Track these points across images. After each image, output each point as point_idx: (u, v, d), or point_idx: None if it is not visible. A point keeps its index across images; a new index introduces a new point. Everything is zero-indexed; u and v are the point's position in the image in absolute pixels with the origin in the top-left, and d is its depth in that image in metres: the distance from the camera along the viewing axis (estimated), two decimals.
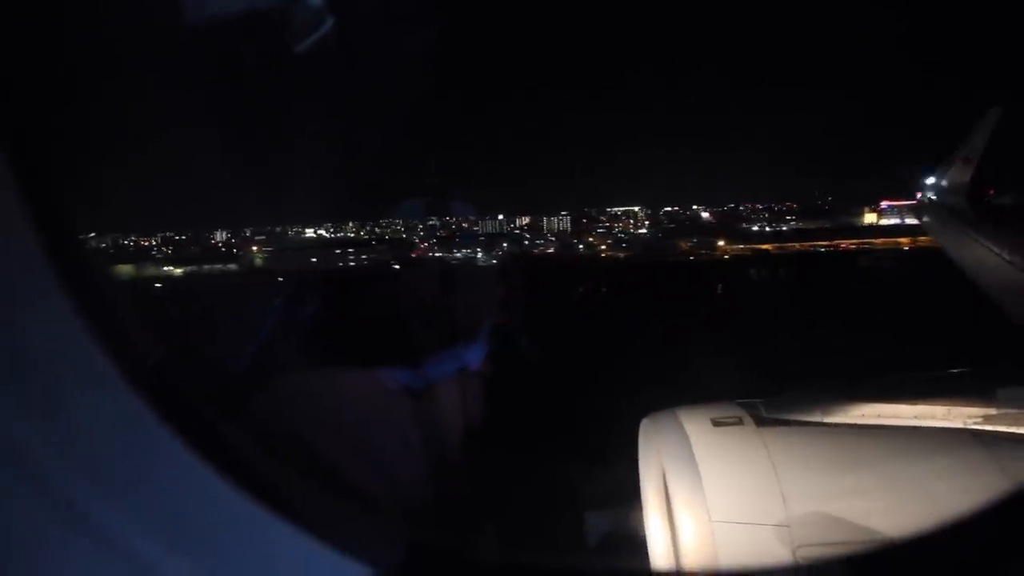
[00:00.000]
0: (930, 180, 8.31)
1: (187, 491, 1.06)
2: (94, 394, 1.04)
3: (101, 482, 1.00)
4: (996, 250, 5.63)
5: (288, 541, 1.07)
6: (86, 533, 0.98)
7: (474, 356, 2.43)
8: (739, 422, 2.77)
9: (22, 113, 1.07)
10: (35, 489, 0.97)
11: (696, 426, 2.76)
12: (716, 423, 2.78)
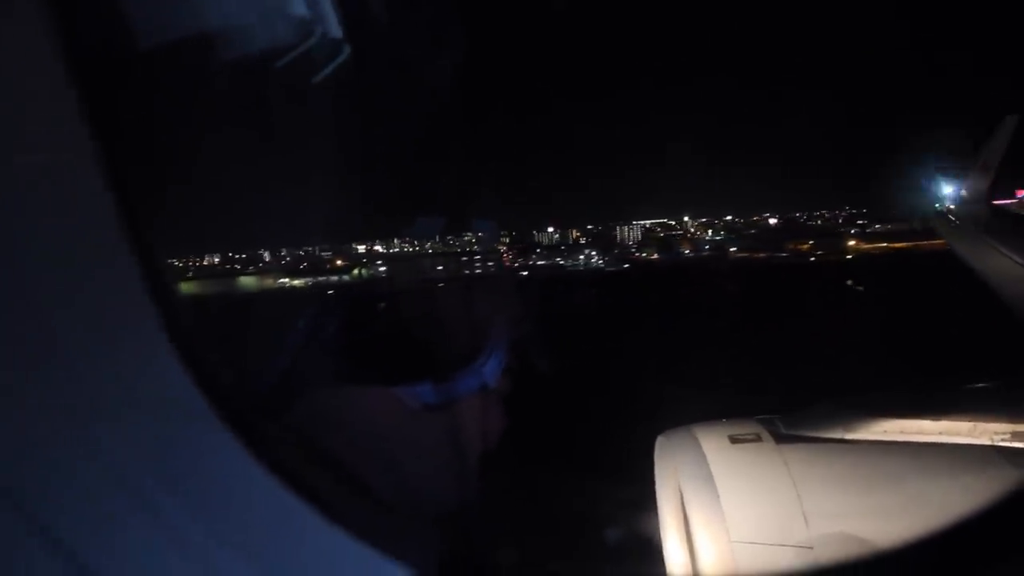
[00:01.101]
0: (948, 188, 8.21)
1: (240, 487, 1.12)
2: (168, 400, 1.10)
3: (167, 478, 1.06)
4: (1017, 259, 5.52)
5: (332, 540, 1.12)
6: (155, 525, 1.03)
7: (492, 372, 2.43)
8: (757, 439, 2.72)
9: (118, 137, 1.11)
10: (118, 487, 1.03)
11: (713, 443, 2.71)
12: (734, 440, 2.73)
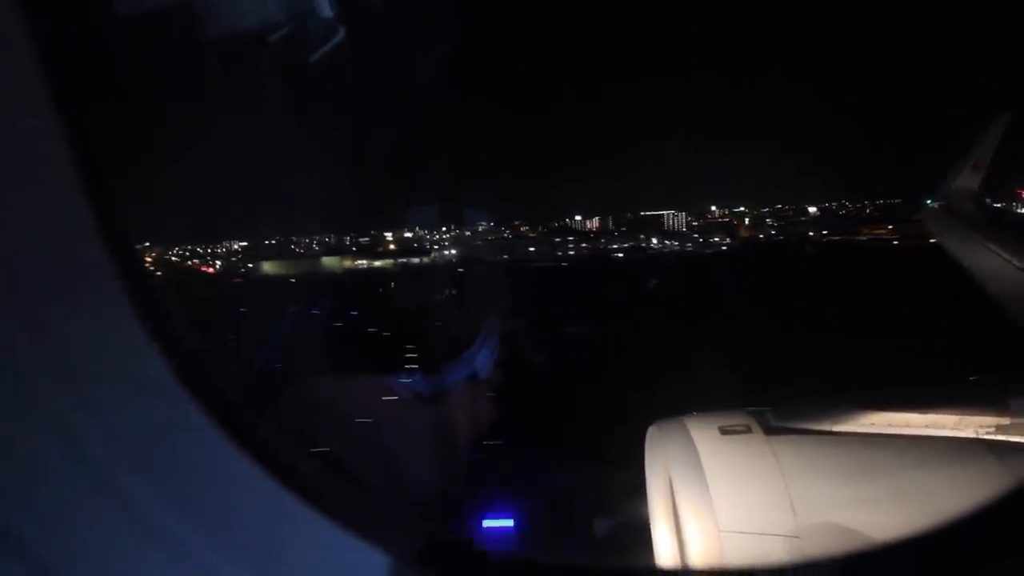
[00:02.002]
0: (938, 186, 8.25)
1: (222, 476, 1.11)
2: (145, 389, 1.09)
3: (146, 468, 1.06)
4: (1006, 256, 5.57)
5: (314, 528, 1.12)
6: (133, 519, 1.03)
7: (483, 363, 2.44)
8: (747, 430, 2.74)
9: (86, 118, 1.10)
10: (90, 476, 1.02)
11: (703, 434, 2.73)
12: (724, 431, 2.74)
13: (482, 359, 2.48)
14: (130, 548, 1.03)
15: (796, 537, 2.33)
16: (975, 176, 7.78)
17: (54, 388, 1.03)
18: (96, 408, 1.04)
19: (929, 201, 8.13)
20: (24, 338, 1.02)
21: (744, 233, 41.87)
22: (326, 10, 1.99)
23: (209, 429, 1.11)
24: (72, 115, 1.04)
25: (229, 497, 1.11)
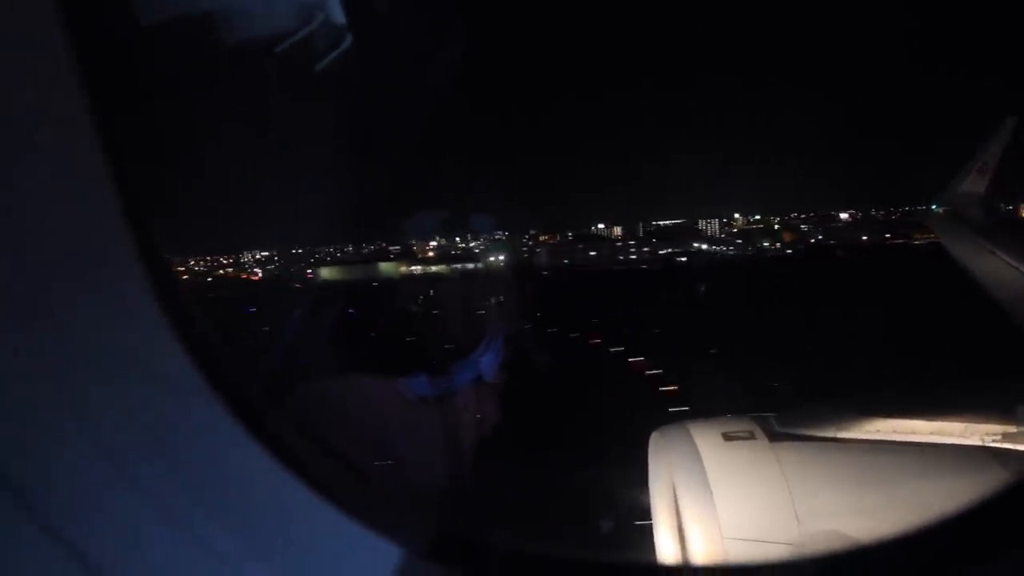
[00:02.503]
0: (943, 191, 8.20)
1: (233, 463, 1.13)
2: (176, 393, 1.12)
3: (168, 460, 1.08)
4: (1012, 262, 5.54)
5: (328, 520, 1.14)
6: (155, 508, 1.05)
7: (488, 365, 2.45)
8: (751, 436, 2.73)
9: (119, 128, 1.13)
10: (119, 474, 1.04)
11: (707, 440, 2.72)
12: (727, 437, 2.73)
13: (487, 361, 2.49)
14: (154, 538, 1.05)
15: (800, 545, 2.31)
16: (981, 181, 7.74)
17: (81, 381, 1.05)
18: (123, 404, 1.07)
19: (935, 206, 8.09)
20: (54, 335, 1.04)
21: (787, 238, 42.22)
22: (337, 16, 2.00)
23: (224, 417, 1.14)
24: (103, 122, 1.07)
25: (240, 483, 1.13)
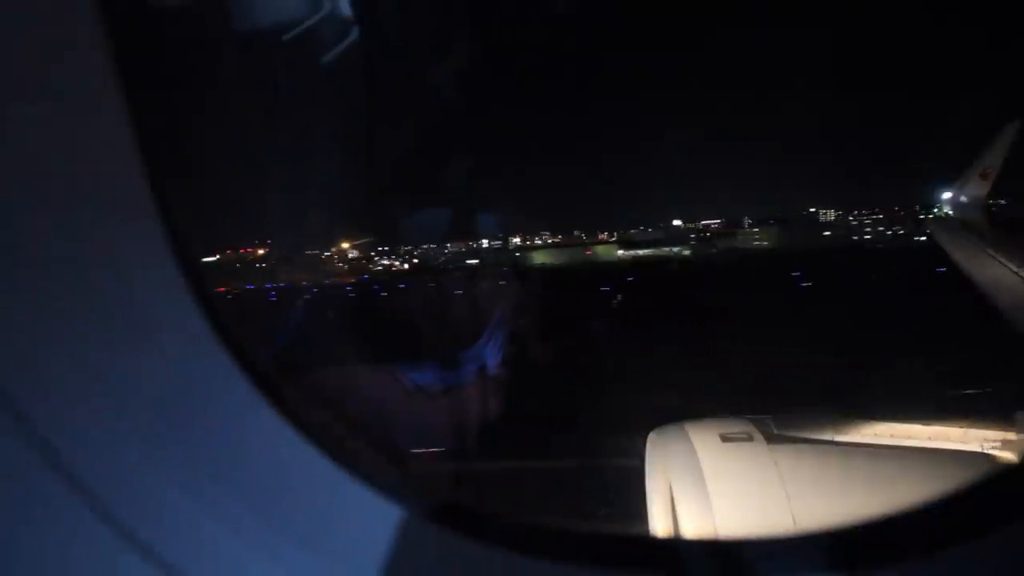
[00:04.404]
0: (945, 195, 8.19)
1: (246, 424, 1.17)
2: (192, 351, 1.15)
3: (173, 411, 1.11)
4: (1014, 267, 5.52)
5: (337, 482, 1.18)
6: (158, 457, 1.08)
7: (491, 358, 2.46)
8: (749, 438, 2.71)
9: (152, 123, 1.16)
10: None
11: (704, 441, 2.71)
12: (725, 438, 2.72)
13: (489, 354, 2.51)
14: (158, 490, 1.08)
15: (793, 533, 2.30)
16: (983, 185, 7.72)
17: (97, 333, 1.08)
18: (136, 358, 1.10)
19: (936, 210, 8.08)
20: (84, 311, 1.07)
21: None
22: (344, 7, 2.00)
23: (240, 380, 1.17)
24: (137, 114, 1.10)
25: (257, 450, 1.17)
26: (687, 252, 41.43)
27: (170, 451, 1.09)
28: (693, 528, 2.44)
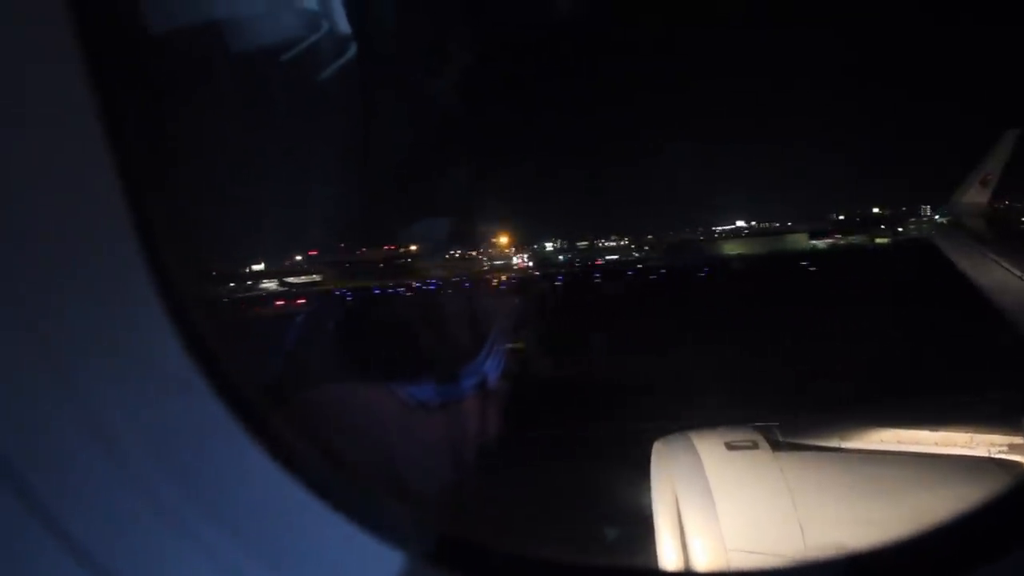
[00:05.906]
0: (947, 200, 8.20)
1: (234, 465, 1.14)
2: (174, 386, 1.12)
3: (171, 461, 1.09)
4: (1015, 272, 5.52)
5: (332, 525, 1.14)
6: (158, 512, 1.06)
7: (491, 373, 2.45)
8: (754, 446, 2.70)
9: (125, 120, 1.14)
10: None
11: (710, 449, 2.70)
12: (730, 446, 2.71)
13: (489, 369, 2.49)
14: (152, 537, 1.05)
15: (803, 556, 2.29)
16: (984, 192, 7.74)
17: (88, 381, 1.06)
18: (127, 404, 1.08)
19: (938, 216, 8.09)
20: (61, 335, 1.05)
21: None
22: (342, 25, 2.01)
23: (225, 418, 1.14)
24: (112, 126, 1.08)
25: (240, 486, 1.14)
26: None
27: (163, 494, 1.07)
28: (700, 538, 2.43)
